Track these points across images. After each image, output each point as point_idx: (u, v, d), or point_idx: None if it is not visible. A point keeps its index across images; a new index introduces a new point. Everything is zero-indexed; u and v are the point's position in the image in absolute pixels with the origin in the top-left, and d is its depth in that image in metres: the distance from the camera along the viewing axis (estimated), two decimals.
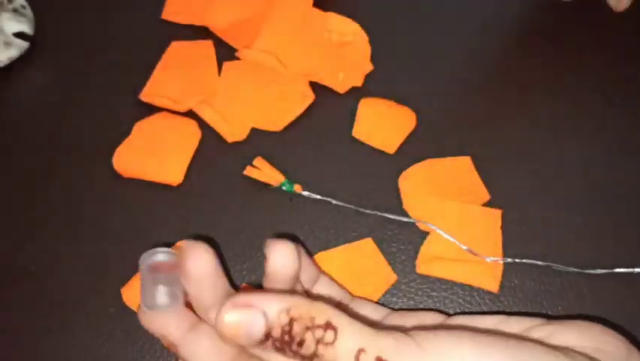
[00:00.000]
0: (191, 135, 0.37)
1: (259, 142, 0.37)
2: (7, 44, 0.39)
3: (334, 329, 0.20)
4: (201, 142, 0.37)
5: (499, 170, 0.36)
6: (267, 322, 0.21)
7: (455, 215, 0.34)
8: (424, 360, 0.19)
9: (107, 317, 0.32)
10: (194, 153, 0.37)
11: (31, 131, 0.38)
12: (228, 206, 0.35)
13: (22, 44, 0.40)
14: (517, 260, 0.33)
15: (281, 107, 0.37)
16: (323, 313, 0.21)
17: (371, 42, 0.40)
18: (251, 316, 0.21)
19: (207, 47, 0.40)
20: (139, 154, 0.36)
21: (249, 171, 0.36)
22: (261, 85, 0.38)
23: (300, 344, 0.20)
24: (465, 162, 0.36)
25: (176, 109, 0.37)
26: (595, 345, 0.22)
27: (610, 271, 0.33)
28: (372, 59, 0.39)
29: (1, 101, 0.39)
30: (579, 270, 0.33)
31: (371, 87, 0.39)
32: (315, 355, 0.20)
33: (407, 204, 0.35)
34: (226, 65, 0.39)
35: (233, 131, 0.37)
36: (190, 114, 0.38)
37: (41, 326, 0.32)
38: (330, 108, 0.38)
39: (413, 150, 0.36)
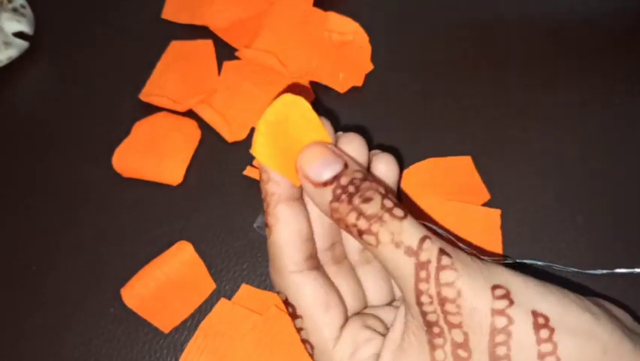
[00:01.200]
0: (191, 135, 0.37)
1: None
2: (7, 44, 0.39)
3: (404, 210, 0.21)
4: (201, 142, 0.37)
5: (499, 170, 0.36)
6: (344, 170, 0.22)
7: (455, 215, 0.34)
8: (473, 264, 0.20)
9: (107, 317, 0.32)
10: (194, 152, 0.36)
11: (31, 131, 0.38)
12: (228, 206, 0.35)
13: (22, 44, 0.40)
14: (517, 260, 0.33)
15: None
16: (394, 197, 0.21)
17: (371, 41, 0.40)
18: (332, 157, 0.22)
19: (207, 46, 0.40)
20: (139, 154, 0.36)
21: (248, 171, 0.36)
22: (261, 85, 0.38)
23: (366, 200, 0.21)
24: (465, 162, 0.36)
25: (176, 109, 0.37)
26: (614, 310, 0.22)
27: (610, 271, 0.33)
28: (373, 59, 0.39)
29: (0, 100, 0.39)
30: (579, 270, 0.33)
31: (371, 87, 0.39)
32: (378, 218, 0.20)
33: (407, 204, 0.35)
34: (226, 64, 0.39)
35: (233, 131, 0.37)
36: (190, 114, 0.38)
37: (41, 326, 0.32)
38: (330, 108, 0.38)
39: (413, 149, 0.36)
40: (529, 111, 0.38)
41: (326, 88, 0.38)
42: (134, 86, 0.38)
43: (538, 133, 0.37)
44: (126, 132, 0.37)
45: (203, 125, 0.37)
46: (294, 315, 0.23)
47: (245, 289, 0.33)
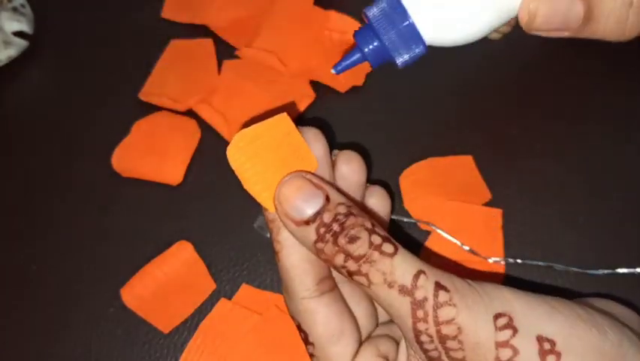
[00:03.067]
0: (191, 135, 0.37)
1: None
2: (7, 43, 0.39)
3: (394, 245, 0.20)
4: (201, 141, 0.37)
5: (500, 169, 0.36)
6: (325, 205, 0.20)
7: (456, 215, 0.34)
8: (474, 293, 0.19)
9: (107, 317, 0.32)
10: (194, 152, 0.36)
11: (31, 130, 0.38)
12: (228, 206, 0.35)
13: (22, 43, 0.40)
14: (518, 260, 0.33)
15: (281, 106, 0.37)
16: (384, 230, 0.20)
17: None
18: (313, 191, 0.21)
19: (207, 45, 0.40)
20: (138, 154, 0.36)
21: None
22: (262, 84, 0.38)
23: (352, 240, 0.20)
24: (466, 162, 0.36)
25: (176, 108, 0.37)
26: (621, 313, 0.22)
27: (612, 271, 0.32)
28: None
29: (0, 100, 0.39)
30: (581, 270, 0.33)
31: (372, 86, 0.38)
32: (366, 259, 0.19)
33: (408, 203, 0.34)
34: (226, 63, 0.39)
35: (233, 131, 0.37)
36: (190, 113, 0.37)
37: (41, 326, 0.32)
38: (330, 107, 0.38)
39: (414, 148, 0.36)
40: (530, 111, 0.38)
41: (326, 87, 0.38)
42: (133, 85, 0.38)
43: (539, 133, 0.37)
44: (126, 132, 0.37)
45: (203, 124, 0.37)
46: (306, 341, 0.23)
47: (245, 289, 0.33)
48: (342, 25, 0.40)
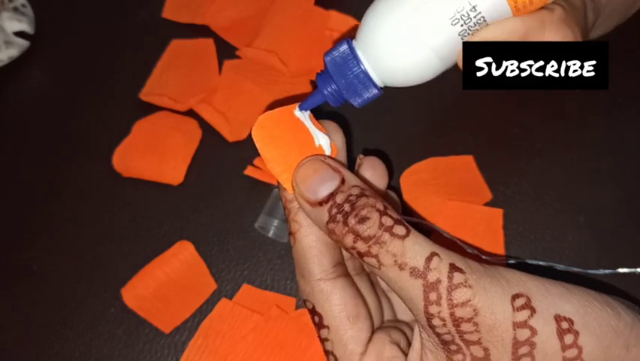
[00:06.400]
0: (192, 135, 0.37)
1: None
2: (8, 43, 0.39)
3: (407, 227, 0.20)
4: (202, 141, 0.37)
5: (501, 169, 0.36)
6: (339, 187, 0.20)
7: (457, 215, 0.34)
8: (490, 275, 0.19)
9: (107, 316, 0.32)
10: (195, 152, 0.36)
11: (31, 130, 0.38)
12: (229, 206, 0.35)
13: (23, 43, 0.40)
14: (519, 260, 0.33)
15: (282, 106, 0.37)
16: (396, 213, 0.20)
17: None
18: (330, 173, 0.21)
19: (208, 45, 0.40)
20: (139, 154, 0.36)
21: (249, 171, 0.35)
22: (262, 84, 0.38)
23: (362, 220, 0.19)
24: (467, 161, 0.36)
25: (177, 108, 0.37)
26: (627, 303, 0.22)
27: (613, 271, 0.32)
28: None
29: (1, 100, 0.39)
30: (581, 270, 0.32)
31: None
32: (376, 240, 0.19)
33: (409, 203, 0.34)
34: (227, 63, 0.39)
35: (234, 131, 0.37)
36: (190, 113, 0.37)
37: (42, 326, 0.32)
38: (331, 107, 0.38)
39: (415, 148, 0.36)
40: (531, 111, 0.38)
41: None
42: (134, 85, 0.38)
43: (539, 133, 0.37)
44: (126, 132, 0.37)
45: (203, 124, 0.37)
46: (320, 325, 0.22)
47: (246, 289, 0.33)
48: (343, 25, 0.40)
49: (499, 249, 0.33)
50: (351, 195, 0.20)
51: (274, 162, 0.22)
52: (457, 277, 0.19)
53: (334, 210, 0.20)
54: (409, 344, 0.23)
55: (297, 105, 0.23)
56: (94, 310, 0.33)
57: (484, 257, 0.32)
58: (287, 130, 0.22)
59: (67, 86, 0.39)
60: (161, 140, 0.36)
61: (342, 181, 0.21)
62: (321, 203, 0.20)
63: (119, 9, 0.42)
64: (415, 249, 0.19)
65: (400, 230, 0.20)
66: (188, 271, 0.33)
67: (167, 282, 0.33)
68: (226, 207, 0.35)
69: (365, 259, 0.20)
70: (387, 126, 0.37)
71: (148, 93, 0.38)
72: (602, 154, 0.36)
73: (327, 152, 0.23)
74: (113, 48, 0.41)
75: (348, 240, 0.20)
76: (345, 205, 0.20)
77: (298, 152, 0.22)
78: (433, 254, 0.19)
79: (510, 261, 0.32)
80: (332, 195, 0.20)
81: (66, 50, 0.41)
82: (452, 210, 0.34)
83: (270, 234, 0.33)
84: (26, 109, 0.39)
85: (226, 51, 0.39)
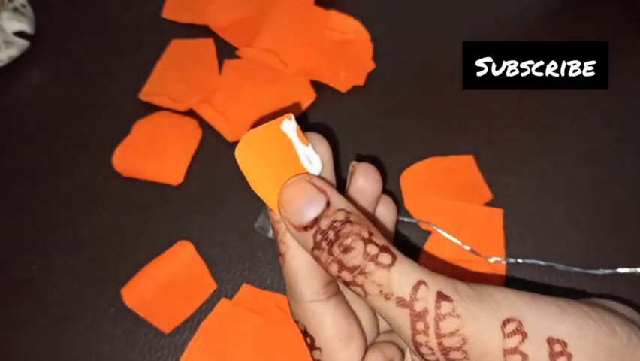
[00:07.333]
0: (192, 135, 0.37)
1: None
2: (8, 43, 0.39)
3: (393, 255, 0.19)
4: (202, 141, 0.37)
5: (501, 169, 0.36)
6: (324, 210, 0.20)
7: (457, 215, 0.34)
8: (479, 300, 0.19)
9: (107, 317, 0.32)
10: (195, 152, 0.36)
11: (31, 130, 0.38)
12: (229, 206, 0.35)
13: (23, 43, 0.40)
14: (519, 260, 0.33)
15: (282, 107, 0.37)
16: (383, 238, 0.20)
17: (373, 40, 0.39)
18: (315, 194, 0.20)
19: (208, 45, 0.40)
20: (139, 154, 0.36)
21: None
22: (262, 84, 0.38)
23: (346, 250, 0.19)
24: (467, 161, 0.36)
25: (177, 108, 0.37)
26: (626, 311, 0.22)
27: (613, 271, 0.32)
28: (374, 58, 0.39)
29: (1, 100, 0.39)
30: (582, 270, 0.33)
31: (373, 86, 0.38)
32: (361, 270, 0.19)
33: (409, 203, 0.34)
34: (227, 63, 0.39)
35: (234, 131, 0.37)
36: (190, 113, 0.37)
37: (42, 326, 0.32)
38: (331, 107, 0.38)
39: (415, 148, 0.36)
40: (531, 111, 0.38)
41: (327, 87, 0.38)
42: (134, 85, 0.38)
43: (540, 132, 0.37)
44: (126, 132, 0.37)
45: (203, 124, 0.37)
46: (312, 346, 0.22)
47: (246, 289, 0.33)
48: (343, 25, 0.40)
49: (499, 249, 0.33)
50: (335, 220, 0.20)
51: (259, 183, 0.22)
52: (445, 307, 0.18)
53: (319, 237, 0.20)
54: (403, 355, 0.23)
55: (283, 119, 0.22)
56: (94, 311, 0.32)
57: (484, 257, 0.32)
58: (272, 147, 0.21)
59: (67, 86, 0.39)
60: (161, 140, 0.36)
61: (328, 204, 0.20)
62: (306, 228, 0.20)
63: (119, 9, 0.42)
64: (401, 278, 0.19)
65: (385, 259, 0.19)
66: (188, 271, 0.33)
67: (167, 282, 0.33)
68: (226, 207, 0.35)
69: (351, 287, 0.19)
70: (388, 126, 0.37)
71: (148, 93, 0.38)
72: (602, 154, 0.36)
73: (315, 168, 0.22)
74: (113, 48, 0.41)
75: (333, 269, 0.19)
76: (329, 232, 0.19)
77: (284, 171, 0.21)
78: (420, 283, 0.19)
79: (510, 261, 0.33)
80: (316, 221, 0.20)
81: (66, 49, 0.41)
82: (452, 210, 0.34)
83: (270, 234, 0.33)
84: (26, 109, 0.39)
85: (226, 51, 0.39)
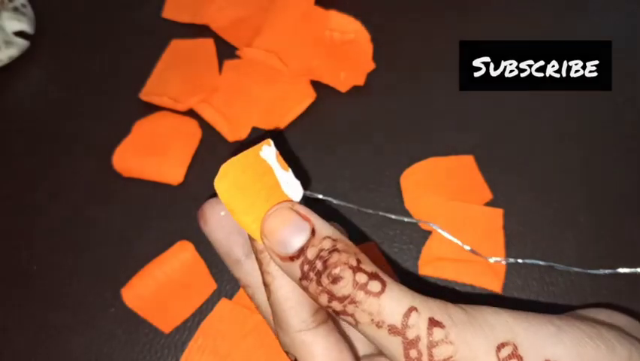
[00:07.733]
0: (192, 134, 0.37)
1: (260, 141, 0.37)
2: (8, 43, 0.39)
3: (382, 282, 0.19)
4: (202, 141, 0.37)
5: (501, 169, 0.36)
6: (310, 239, 0.19)
7: (457, 215, 0.34)
8: (473, 325, 0.18)
9: (107, 317, 0.32)
10: (195, 152, 0.36)
11: (31, 130, 0.38)
12: None
13: (23, 43, 0.40)
14: (519, 260, 0.33)
15: (282, 107, 0.37)
16: (372, 265, 0.19)
17: (373, 40, 0.39)
18: (299, 223, 0.19)
19: (208, 45, 0.40)
20: (139, 154, 0.36)
21: None
22: (262, 84, 0.38)
23: (335, 280, 0.18)
24: (467, 161, 0.36)
25: (177, 108, 0.37)
26: (625, 324, 0.21)
27: (613, 271, 0.32)
28: (374, 58, 0.39)
29: (1, 100, 0.39)
30: (582, 270, 0.33)
31: (373, 86, 0.38)
32: (351, 300, 0.18)
33: (409, 203, 0.34)
34: (227, 63, 0.39)
35: (234, 131, 0.37)
36: (190, 113, 0.37)
37: (42, 326, 0.32)
38: (331, 107, 0.38)
39: (415, 148, 0.36)
40: (531, 111, 0.38)
41: (327, 87, 0.38)
42: (134, 85, 0.38)
43: (540, 133, 0.37)
44: (126, 132, 0.37)
45: (203, 124, 0.37)
46: None
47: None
48: (343, 25, 0.40)
49: (499, 249, 0.33)
50: (322, 249, 0.19)
51: (240, 213, 0.21)
52: (437, 333, 0.18)
53: (306, 267, 0.19)
54: None
55: (262, 145, 0.21)
56: (94, 311, 0.32)
57: (484, 257, 0.32)
58: (252, 175, 0.21)
59: (67, 86, 0.39)
60: (161, 140, 0.36)
61: (313, 232, 0.20)
62: (292, 258, 0.19)
63: (118, 9, 0.42)
64: (392, 305, 0.18)
65: (374, 286, 0.19)
66: (188, 271, 0.33)
67: (167, 282, 0.33)
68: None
69: (341, 317, 0.19)
70: (387, 126, 0.37)
71: (148, 93, 0.38)
72: (603, 154, 0.36)
73: (296, 194, 0.22)
74: (113, 48, 0.41)
75: (323, 299, 0.19)
76: (317, 262, 0.19)
77: (265, 199, 0.21)
78: (411, 309, 0.18)
79: (510, 261, 0.33)
80: (303, 250, 0.19)
81: (66, 49, 0.41)
82: (452, 210, 0.34)
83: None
84: (26, 109, 0.39)
85: (226, 51, 0.39)
